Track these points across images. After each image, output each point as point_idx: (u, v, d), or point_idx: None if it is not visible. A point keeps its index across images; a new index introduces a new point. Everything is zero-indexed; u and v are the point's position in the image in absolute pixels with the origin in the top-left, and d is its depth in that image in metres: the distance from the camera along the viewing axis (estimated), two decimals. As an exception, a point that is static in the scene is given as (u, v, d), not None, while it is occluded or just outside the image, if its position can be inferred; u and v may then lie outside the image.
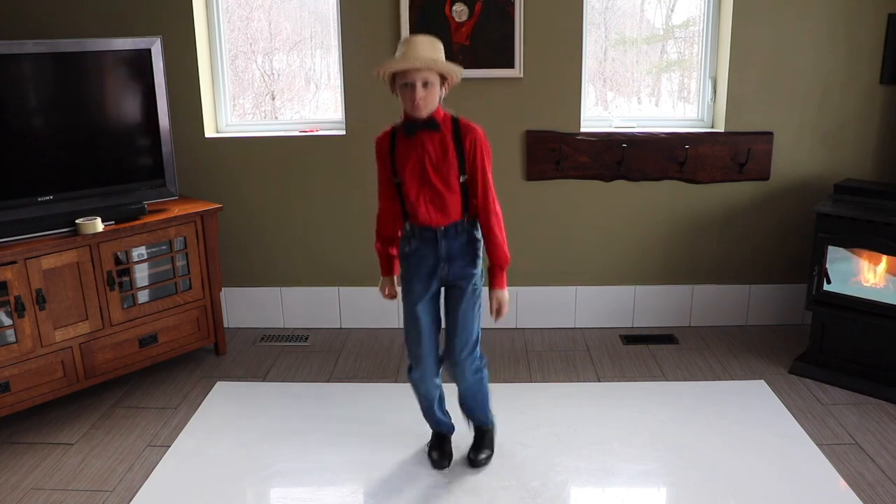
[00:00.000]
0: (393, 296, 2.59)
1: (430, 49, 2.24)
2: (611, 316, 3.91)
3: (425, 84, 2.23)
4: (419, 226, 2.40)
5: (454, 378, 2.53)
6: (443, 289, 2.48)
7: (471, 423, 2.71)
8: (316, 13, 3.90)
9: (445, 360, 2.51)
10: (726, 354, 3.57)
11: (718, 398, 3.12)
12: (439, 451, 2.67)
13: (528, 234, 3.75)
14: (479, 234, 2.44)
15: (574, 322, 3.92)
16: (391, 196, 2.45)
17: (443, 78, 2.28)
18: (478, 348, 2.51)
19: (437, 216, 2.36)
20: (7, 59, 2.89)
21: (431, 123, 2.30)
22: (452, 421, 2.71)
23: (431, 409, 2.63)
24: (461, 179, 2.34)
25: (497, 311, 2.46)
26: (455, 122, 2.34)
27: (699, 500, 2.46)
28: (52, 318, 2.97)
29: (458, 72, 2.28)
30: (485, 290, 2.49)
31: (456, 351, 2.46)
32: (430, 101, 2.26)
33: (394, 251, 2.54)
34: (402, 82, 2.25)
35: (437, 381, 2.55)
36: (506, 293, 2.46)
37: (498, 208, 2.40)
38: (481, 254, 2.46)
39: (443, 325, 2.52)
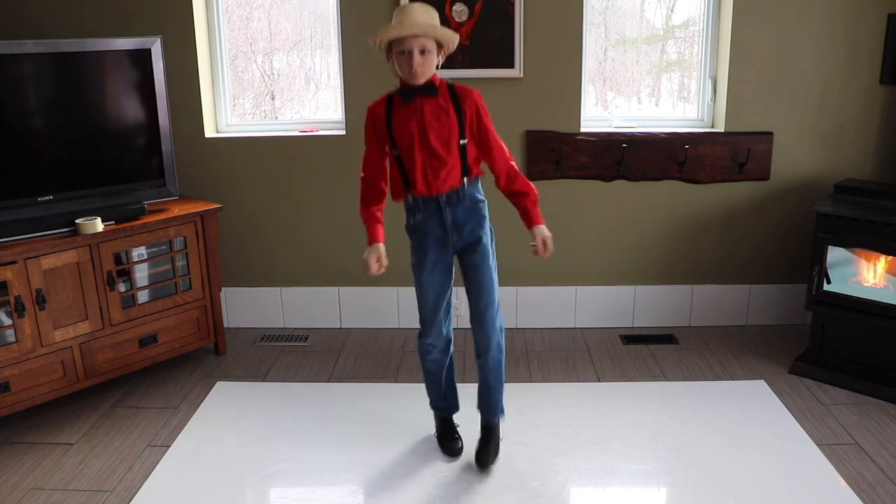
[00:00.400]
0: (380, 269, 2.45)
1: (427, 16, 2.26)
2: (611, 316, 3.91)
3: (423, 51, 2.25)
4: (422, 196, 2.40)
5: (480, 345, 2.52)
6: (461, 258, 2.49)
7: (481, 419, 2.66)
8: (316, 13, 3.90)
9: (473, 323, 2.51)
10: (726, 354, 3.57)
11: (718, 398, 3.12)
12: (450, 438, 2.69)
13: (529, 234, 3.74)
14: (481, 196, 2.46)
15: (574, 322, 3.92)
16: (377, 164, 2.46)
17: (439, 45, 2.29)
18: (500, 307, 2.53)
19: (439, 182, 2.37)
20: (7, 59, 2.89)
21: (429, 88, 2.32)
22: (458, 398, 2.74)
23: (439, 378, 2.65)
24: (461, 143, 2.36)
25: (544, 247, 2.44)
26: (451, 87, 2.37)
27: (699, 500, 2.46)
28: (51, 318, 2.97)
29: (454, 38, 2.30)
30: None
31: (483, 311, 2.47)
32: (428, 67, 2.28)
33: (379, 214, 2.50)
34: (399, 49, 2.27)
35: (449, 347, 2.61)
36: (546, 228, 2.46)
37: (510, 154, 2.46)
38: (486, 213, 2.48)
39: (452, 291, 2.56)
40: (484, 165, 2.49)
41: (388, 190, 2.51)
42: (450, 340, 2.64)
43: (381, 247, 2.47)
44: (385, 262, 2.47)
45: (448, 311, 2.58)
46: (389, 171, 2.48)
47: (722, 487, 2.51)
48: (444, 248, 2.46)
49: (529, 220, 2.47)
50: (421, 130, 2.34)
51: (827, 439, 2.81)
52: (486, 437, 2.64)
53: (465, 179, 2.40)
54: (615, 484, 2.57)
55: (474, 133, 2.40)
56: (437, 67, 2.34)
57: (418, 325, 2.61)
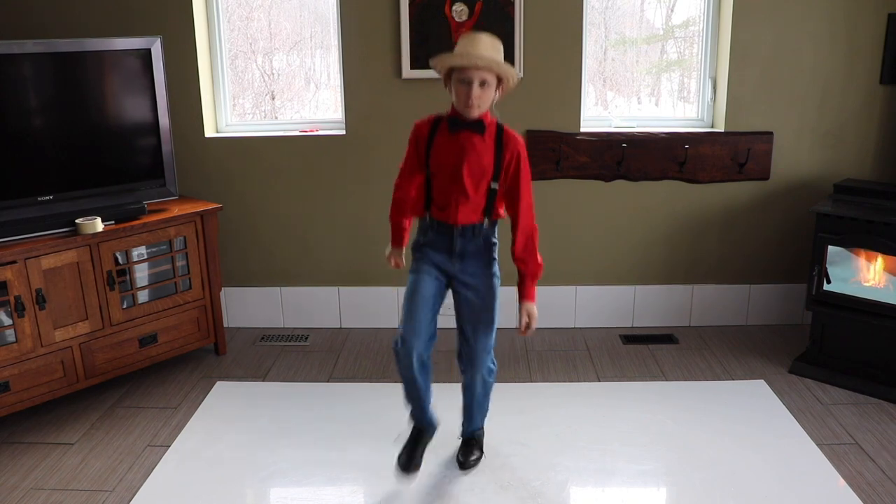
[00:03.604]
0: (399, 265, 2.63)
1: (493, 49, 2.23)
2: (611, 316, 3.91)
3: (482, 83, 2.21)
4: (439, 221, 2.39)
5: (467, 379, 2.51)
6: (457, 288, 2.44)
7: (461, 436, 2.70)
8: (316, 13, 3.90)
9: (463, 359, 2.48)
10: (726, 354, 3.57)
11: (718, 398, 3.12)
12: (408, 455, 2.51)
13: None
14: (495, 239, 2.43)
15: (574, 322, 3.92)
16: (413, 175, 2.44)
17: (498, 80, 2.25)
18: (492, 350, 2.50)
19: (460, 216, 2.35)
20: (7, 59, 2.89)
21: (478, 126, 2.28)
22: (435, 420, 2.58)
23: (413, 387, 2.45)
24: (492, 186, 2.33)
25: (526, 327, 2.44)
26: (500, 128, 2.33)
27: (699, 500, 2.47)
28: (51, 317, 2.97)
29: (514, 76, 2.26)
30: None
31: (476, 351, 2.43)
32: (485, 101, 2.24)
33: (407, 223, 2.56)
34: (459, 78, 2.22)
35: (426, 360, 2.41)
36: (535, 307, 2.45)
37: (534, 220, 2.41)
38: (497, 256, 2.45)
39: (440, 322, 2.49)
40: None
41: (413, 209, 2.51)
42: (425, 360, 2.43)
43: (399, 251, 2.62)
44: (402, 262, 2.63)
45: (432, 326, 2.42)
46: (419, 186, 2.45)
47: (722, 487, 2.51)
48: (442, 269, 2.42)
49: (522, 293, 2.46)
50: (457, 163, 2.30)
51: (827, 439, 2.81)
52: (468, 443, 2.67)
53: (486, 220, 2.38)
54: (615, 484, 2.57)
55: (507, 179, 2.35)
56: (493, 104, 2.29)
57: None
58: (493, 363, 2.54)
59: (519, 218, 2.38)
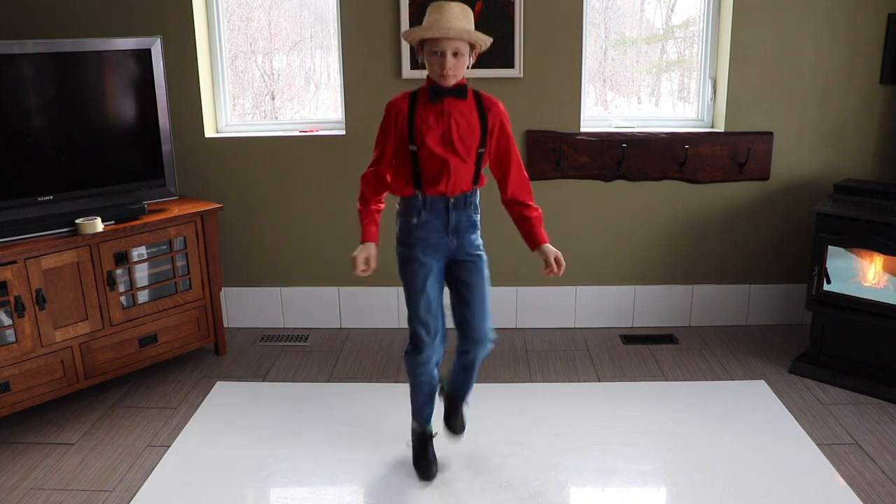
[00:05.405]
0: (367, 271, 2.36)
1: (463, 18, 2.23)
2: (611, 316, 3.91)
3: (455, 53, 2.23)
4: (432, 196, 2.36)
5: (465, 360, 2.50)
6: (456, 273, 2.44)
7: (442, 398, 2.65)
8: (316, 13, 3.90)
9: (467, 337, 2.44)
10: (726, 354, 3.57)
11: (718, 398, 3.12)
12: (426, 460, 2.59)
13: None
14: (478, 203, 2.44)
15: (574, 322, 3.92)
16: (386, 161, 2.39)
17: (471, 46, 2.28)
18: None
19: (454, 184, 2.35)
20: (7, 59, 2.89)
21: (460, 91, 2.30)
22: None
23: (432, 395, 2.55)
24: (479, 151, 2.35)
25: (557, 263, 2.41)
26: (477, 94, 2.36)
27: (699, 500, 2.46)
28: (51, 317, 2.97)
29: (487, 41, 2.28)
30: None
31: (480, 327, 2.43)
32: (459, 70, 2.27)
33: (377, 214, 2.43)
34: (431, 49, 2.24)
35: (439, 362, 2.50)
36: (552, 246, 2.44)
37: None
38: (480, 225, 2.45)
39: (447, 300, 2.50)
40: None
41: (389, 184, 2.45)
42: (438, 363, 2.50)
43: (373, 247, 2.39)
44: (374, 264, 2.38)
45: (443, 316, 2.46)
46: (399, 167, 2.40)
47: (722, 487, 2.52)
48: (441, 252, 2.41)
49: (538, 238, 2.43)
50: (447, 133, 2.31)
51: (827, 439, 2.81)
52: (456, 406, 2.63)
53: (474, 186, 2.40)
54: (615, 484, 2.57)
55: (494, 142, 2.38)
56: (467, 68, 2.31)
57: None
58: (492, 331, 2.51)
59: (509, 174, 2.41)
